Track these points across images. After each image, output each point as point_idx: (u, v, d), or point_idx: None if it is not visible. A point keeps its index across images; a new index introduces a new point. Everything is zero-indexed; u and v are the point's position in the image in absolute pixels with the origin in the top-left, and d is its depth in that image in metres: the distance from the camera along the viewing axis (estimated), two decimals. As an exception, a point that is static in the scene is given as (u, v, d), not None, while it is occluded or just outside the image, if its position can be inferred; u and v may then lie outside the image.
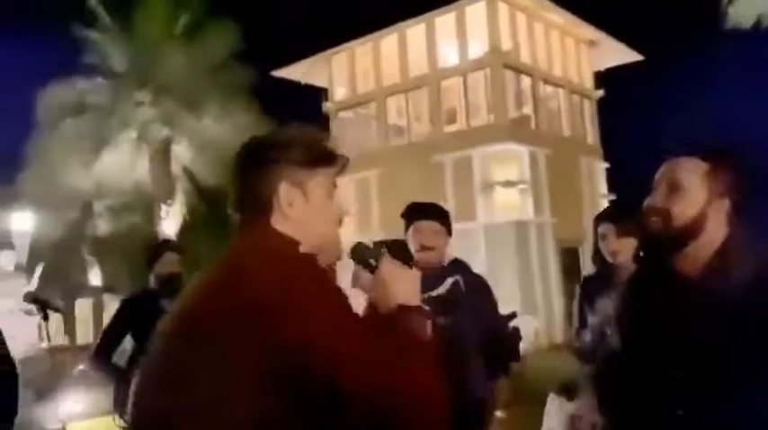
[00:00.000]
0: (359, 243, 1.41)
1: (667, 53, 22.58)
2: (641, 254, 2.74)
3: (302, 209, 1.29)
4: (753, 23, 11.27)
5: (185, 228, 14.74)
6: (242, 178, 1.33)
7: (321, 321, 1.12)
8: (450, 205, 14.59)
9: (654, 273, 1.82)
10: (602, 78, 19.16)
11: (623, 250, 2.69)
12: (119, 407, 3.71)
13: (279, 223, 1.28)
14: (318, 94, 18.80)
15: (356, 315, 1.23)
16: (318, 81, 18.83)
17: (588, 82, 18.69)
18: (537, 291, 14.55)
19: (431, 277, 2.73)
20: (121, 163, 14.85)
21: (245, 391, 1.11)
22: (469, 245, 12.48)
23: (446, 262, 2.82)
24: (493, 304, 2.91)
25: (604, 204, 18.13)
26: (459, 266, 2.84)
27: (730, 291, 1.55)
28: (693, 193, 1.65)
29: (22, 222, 11.17)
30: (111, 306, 17.57)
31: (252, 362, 1.11)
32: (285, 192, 1.28)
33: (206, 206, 14.82)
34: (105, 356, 3.61)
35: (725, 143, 1.75)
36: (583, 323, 2.91)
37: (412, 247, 2.77)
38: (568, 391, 4.43)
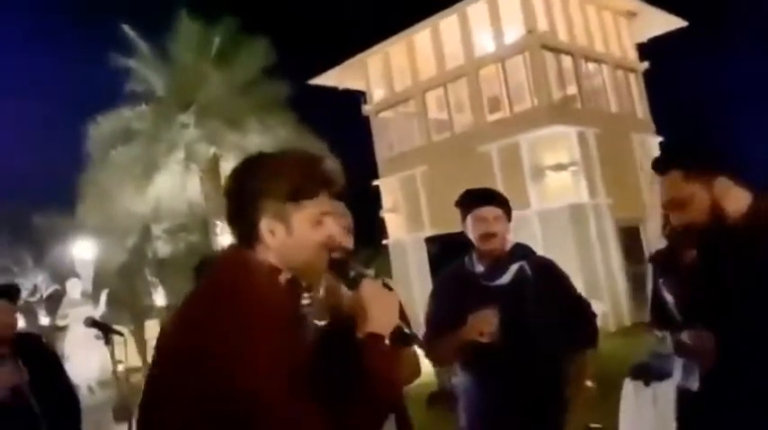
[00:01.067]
0: (341, 259, 1.46)
1: (711, 16, 21.61)
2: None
3: (284, 239, 1.34)
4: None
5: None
6: (230, 203, 1.39)
7: (248, 373, 1.17)
8: (511, 207, 14.11)
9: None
10: (646, 49, 18.50)
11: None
12: None
13: (263, 249, 1.35)
14: (357, 97, 18.78)
15: (291, 364, 1.23)
16: (355, 85, 18.81)
17: (631, 55, 18.04)
18: (600, 275, 14.10)
19: (494, 266, 2.66)
20: (173, 185, 15.21)
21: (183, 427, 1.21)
22: (525, 233, 12.17)
23: (508, 248, 2.72)
24: (565, 283, 2.80)
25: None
26: (521, 251, 2.73)
27: None
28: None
29: (85, 251, 11.57)
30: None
31: (186, 403, 1.21)
32: (266, 224, 1.34)
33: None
34: None
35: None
36: (657, 298, 2.75)
37: (473, 236, 2.68)
38: (645, 375, 4.24)
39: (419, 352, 1.99)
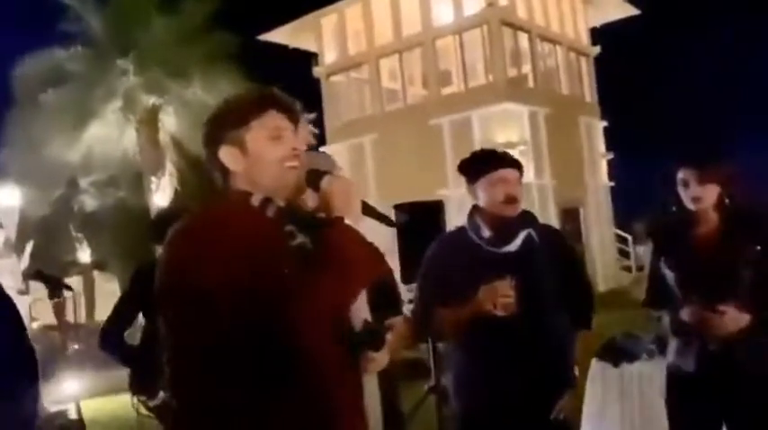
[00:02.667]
0: (312, 170, 1.52)
1: (663, 5, 22.09)
2: (727, 200, 2.52)
3: (243, 162, 1.46)
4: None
5: (177, 200, 14.25)
6: (206, 158, 1.53)
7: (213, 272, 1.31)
8: (449, 169, 14.42)
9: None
10: (597, 35, 18.73)
11: (705, 196, 2.48)
12: (135, 387, 3.41)
13: (235, 181, 1.48)
14: (308, 58, 18.18)
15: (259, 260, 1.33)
16: (307, 45, 18.20)
17: (585, 38, 18.22)
18: (540, 254, 14.30)
19: (503, 231, 2.46)
20: (107, 135, 14.29)
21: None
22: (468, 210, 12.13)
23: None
24: (573, 255, 2.70)
25: (603, 164, 17.88)
26: (529, 218, 2.54)
27: None
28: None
29: (9, 198, 10.71)
30: (102, 283, 17.26)
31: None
32: (225, 154, 1.48)
33: (197, 176, 14.31)
34: (116, 336, 3.29)
35: None
36: (656, 275, 2.67)
37: (490, 199, 2.46)
38: (614, 355, 4.16)
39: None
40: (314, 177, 1.51)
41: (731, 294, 2.31)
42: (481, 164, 2.51)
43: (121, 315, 3.31)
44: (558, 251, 2.56)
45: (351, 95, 17.39)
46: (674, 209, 2.64)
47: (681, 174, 2.54)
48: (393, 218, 1.88)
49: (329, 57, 17.77)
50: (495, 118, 14.55)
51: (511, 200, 2.44)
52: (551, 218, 15.05)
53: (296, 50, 18.48)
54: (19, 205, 10.96)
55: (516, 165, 2.52)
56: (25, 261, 9.56)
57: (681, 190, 2.55)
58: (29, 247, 9.86)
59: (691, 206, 2.52)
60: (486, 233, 2.49)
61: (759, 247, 2.33)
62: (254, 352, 1.32)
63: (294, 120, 1.54)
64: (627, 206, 17.72)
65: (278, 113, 1.50)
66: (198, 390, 1.38)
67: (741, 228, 2.42)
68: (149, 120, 14.28)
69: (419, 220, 3.64)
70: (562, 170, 15.42)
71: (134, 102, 14.08)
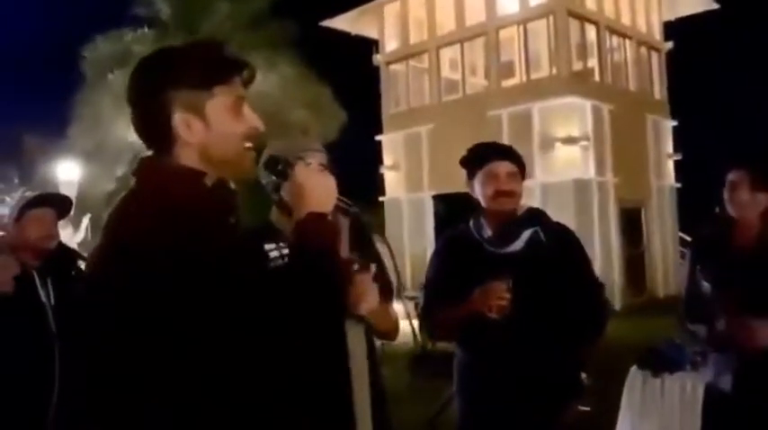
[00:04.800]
0: (271, 155, 1.42)
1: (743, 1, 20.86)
2: None
3: (203, 133, 1.24)
4: None
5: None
6: (136, 107, 1.26)
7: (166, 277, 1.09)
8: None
9: None
10: (672, 29, 17.86)
11: (753, 204, 2.31)
12: None
13: (182, 151, 1.24)
14: (369, 45, 18.12)
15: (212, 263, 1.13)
16: (369, 32, 18.11)
17: (657, 32, 17.41)
18: (596, 255, 13.78)
19: (505, 231, 2.31)
20: (169, 116, 14.67)
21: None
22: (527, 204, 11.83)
23: (521, 212, 2.38)
24: (583, 258, 2.44)
25: (670, 164, 17.10)
26: (536, 215, 2.38)
27: None
28: None
29: (70, 172, 11.15)
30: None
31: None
32: (180, 118, 1.22)
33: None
34: None
35: None
36: (693, 286, 2.49)
37: (482, 195, 2.34)
38: (655, 364, 3.93)
39: (397, 310, 1.95)
40: (276, 163, 1.39)
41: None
42: (475, 159, 2.38)
43: None
44: (568, 253, 2.37)
45: (409, 84, 17.22)
46: (716, 211, 2.45)
47: (730, 177, 2.35)
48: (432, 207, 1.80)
49: (390, 45, 17.64)
50: (557, 111, 14.09)
51: (500, 194, 2.30)
52: (611, 217, 14.54)
53: (357, 38, 18.45)
54: (78, 180, 11.41)
55: (510, 157, 2.36)
56: (81, 233, 9.93)
57: (727, 193, 2.36)
58: (86, 220, 10.23)
59: (733, 212, 2.34)
60: (488, 232, 2.36)
61: None
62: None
63: (247, 86, 1.32)
64: (695, 209, 16.93)
65: (240, 81, 1.29)
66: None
67: None
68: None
69: (458, 211, 3.54)
70: (625, 168, 14.80)
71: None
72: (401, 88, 17.46)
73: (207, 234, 1.17)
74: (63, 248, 2.88)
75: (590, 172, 14.11)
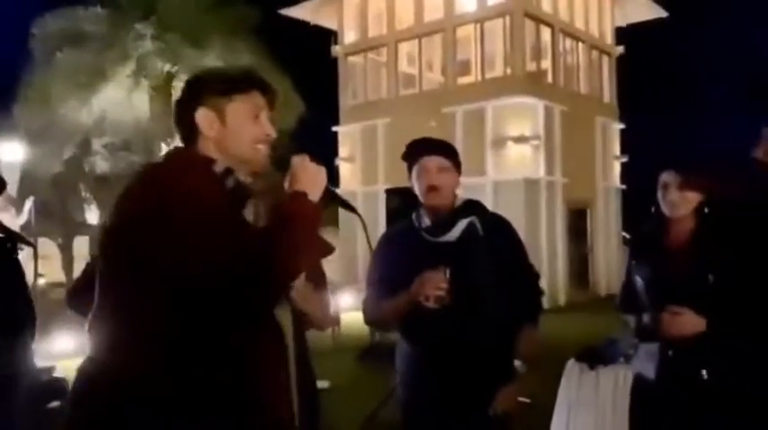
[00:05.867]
0: (278, 154, 1.60)
1: (692, 8, 21.66)
2: (706, 209, 2.45)
3: (219, 130, 1.52)
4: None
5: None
6: (177, 113, 1.57)
7: (178, 230, 1.32)
8: (460, 159, 14.04)
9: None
10: (623, 34, 18.42)
11: (683, 205, 2.43)
12: None
13: (203, 145, 1.53)
14: (329, 36, 18.06)
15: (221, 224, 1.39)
16: (328, 23, 18.07)
17: (609, 37, 17.93)
18: (543, 253, 14.18)
19: (441, 221, 2.40)
20: (121, 98, 14.32)
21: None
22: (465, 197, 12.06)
23: (458, 203, 2.47)
24: (518, 247, 2.54)
25: (617, 166, 17.67)
26: (473, 207, 2.47)
27: None
28: None
29: (13, 153, 10.74)
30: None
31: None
32: (202, 116, 1.52)
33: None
34: (84, 295, 3.29)
35: None
36: (628, 280, 2.66)
37: (418, 190, 2.42)
38: (592, 358, 4.13)
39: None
40: (282, 161, 1.58)
41: (694, 301, 2.26)
42: (409, 154, 2.46)
43: (90, 275, 3.30)
44: (505, 242, 2.47)
45: (367, 77, 17.27)
46: (653, 210, 2.59)
47: (662, 178, 2.49)
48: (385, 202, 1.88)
49: (349, 36, 17.65)
50: (510, 110, 14.39)
51: (430, 189, 2.37)
52: (558, 216, 14.95)
53: (317, 28, 18.37)
54: (21, 161, 11.01)
55: (440, 152, 2.44)
56: (24, 216, 9.63)
57: (660, 194, 2.49)
58: (29, 203, 9.92)
59: (666, 211, 2.48)
60: (426, 222, 2.44)
61: (728, 258, 2.26)
62: (193, 313, 1.34)
63: (272, 107, 1.62)
64: (639, 210, 17.54)
65: (260, 96, 1.59)
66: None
67: (714, 239, 2.35)
68: (163, 87, 14.29)
69: (411, 206, 3.63)
70: (574, 169, 15.24)
71: (148, 66, 14.08)
72: (359, 81, 17.50)
73: (200, 195, 1.40)
74: (4, 230, 2.85)
75: (540, 171, 14.47)
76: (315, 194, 1.49)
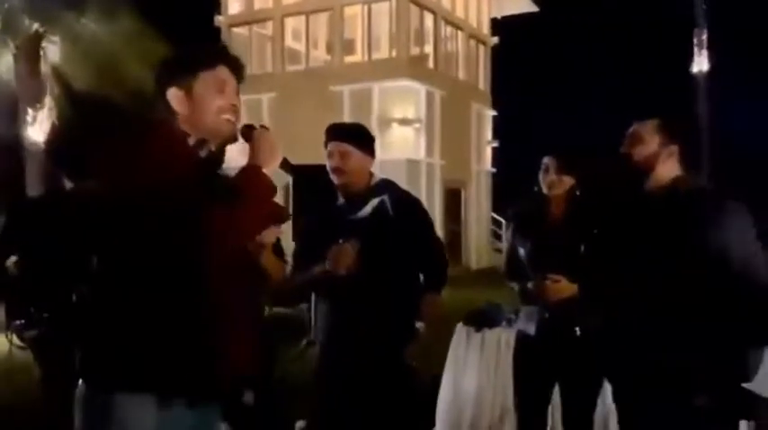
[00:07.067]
0: (244, 125, 1.73)
1: (563, 7, 23.28)
2: (578, 192, 2.91)
3: (187, 105, 1.65)
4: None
5: (54, 136, 13.36)
6: (153, 99, 1.70)
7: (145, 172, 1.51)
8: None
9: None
10: (498, 25, 19.49)
11: (559, 185, 2.85)
12: (12, 319, 3.39)
13: (179, 122, 1.66)
14: (213, 5, 17.50)
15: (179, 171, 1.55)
16: (212, -9, 17.51)
17: (485, 28, 18.91)
18: (421, 229, 14.84)
19: (354, 200, 2.68)
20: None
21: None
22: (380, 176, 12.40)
23: (373, 183, 2.74)
24: (425, 223, 2.88)
25: (488, 150, 18.82)
26: (384, 186, 2.75)
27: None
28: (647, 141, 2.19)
29: None
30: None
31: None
32: (173, 95, 1.66)
33: (78, 112, 13.46)
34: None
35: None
36: (512, 251, 3.06)
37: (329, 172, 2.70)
38: (477, 321, 4.61)
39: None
40: (248, 131, 1.71)
41: (567, 269, 2.63)
42: (325, 138, 2.72)
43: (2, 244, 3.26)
44: (412, 218, 2.77)
45: (252, 50, 17.00)
46: (535, 190, 3.03)
47: (544, 161, 2.91)
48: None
49: (233, 7, 17.25)
50: (395, 93, 14.87)
51: (333, 171, 2.65)
52: (436, 196, 15.73)
53: (199, -4, 17.73)
54: None
55: (344, 137, 2.69)
56: None
57: (541, 175, 2.92)
58: None
59: (546, 190, 2.91)
60: (341, 200, 2.73)
61: (595, 232, 2.58)
62: (160, 266, 1.53)
63: (240, 79, 1.74)
64: (507, 192, 18.80)
65: (227, 69, 1.71)
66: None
67: (583, 217, 2.76)
68: (30, 47, 13.21)
69: (310, 182, 3.89)
70: (451, 151, 16.07)
71: (13, 24, 12.95)
72: (243, 53, 17.08)
73: (170, 154, 1.58)
74: None
75: (421, 153, 15.13)
76: (272, 166, 1.65)
